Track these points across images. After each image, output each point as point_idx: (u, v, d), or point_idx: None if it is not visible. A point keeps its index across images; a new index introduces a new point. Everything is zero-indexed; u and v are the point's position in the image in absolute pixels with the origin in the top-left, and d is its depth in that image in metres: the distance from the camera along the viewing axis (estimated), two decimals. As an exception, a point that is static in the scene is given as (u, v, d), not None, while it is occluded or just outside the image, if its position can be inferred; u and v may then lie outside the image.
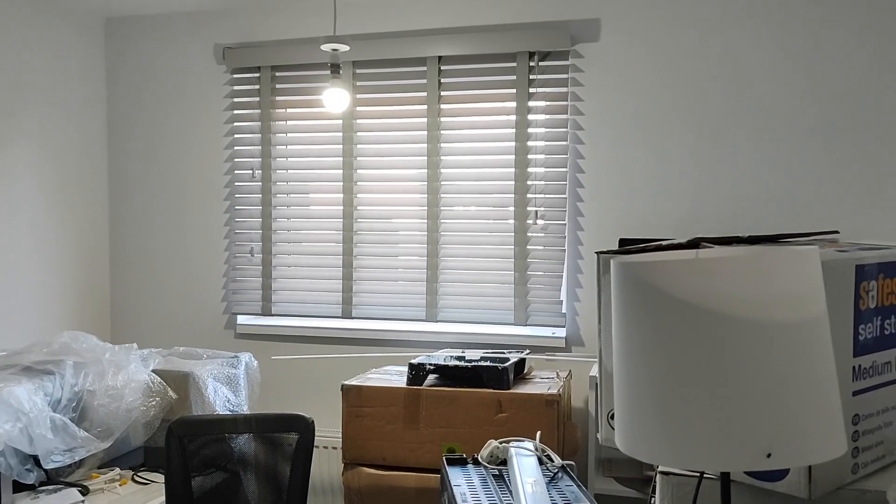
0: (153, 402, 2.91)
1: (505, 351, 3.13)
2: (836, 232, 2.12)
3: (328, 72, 3.66)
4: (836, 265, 1.49)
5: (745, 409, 1.09)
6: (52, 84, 3.68)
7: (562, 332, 3.45)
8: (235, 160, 3.85)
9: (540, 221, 3.46)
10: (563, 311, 3.45)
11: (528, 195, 3.47)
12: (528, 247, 3.48)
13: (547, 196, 3.46)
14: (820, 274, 1.23)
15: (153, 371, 2.99)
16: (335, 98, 2.94)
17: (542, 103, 3.45)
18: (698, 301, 1.19)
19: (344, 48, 2.85)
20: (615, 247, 3.37)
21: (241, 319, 3.87)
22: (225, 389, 3.14)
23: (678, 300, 1.20)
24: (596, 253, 1.98)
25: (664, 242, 1.72)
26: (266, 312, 3.81)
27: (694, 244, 1.71)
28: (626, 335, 1.25)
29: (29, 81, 3.55)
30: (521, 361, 3.04)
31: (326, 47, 2.85)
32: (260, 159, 3.80)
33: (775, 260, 1.16)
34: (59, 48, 3.73)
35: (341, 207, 3.70)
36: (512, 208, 3.49)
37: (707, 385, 1.14)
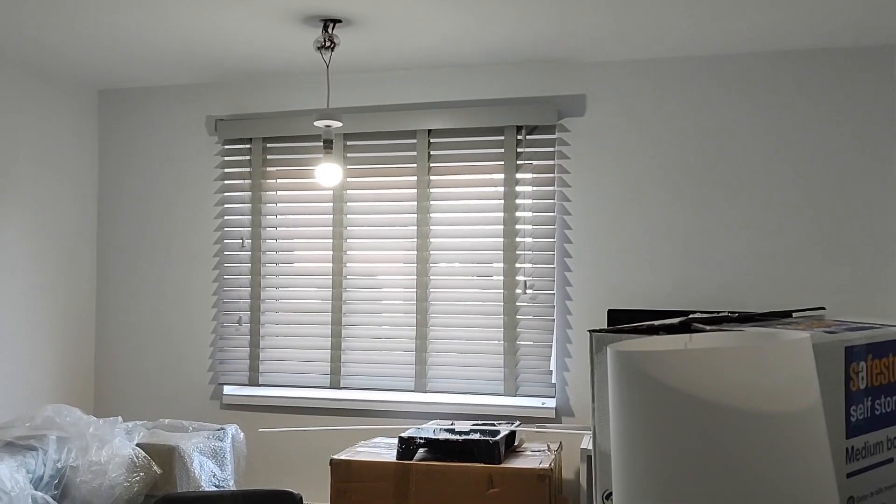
0: (137, 478, 2.86)
1: (495, 422, 3.11)
2: (823, 308, 2.16)
3: (319, 143, 3.72)
4: (825, 348, 1.51)
5: (739, 498, 1.10)
6: (44, 153, 3.71)
7: (552, 403, 3.44)
8: (225, 229, 3.87)
9: (529, 291, 3.49)
10: (553, 381, 3.44)
11: (517, 265, 3.50)
12: (518, 316, 3.49)
13: (535, 266, 3.49)
14: (813, 362, 1.24)
15: (138, 445, 2.94)
16: (328, 173, 2.98)
17: (529, 175, 3.52)
18: (693, 391, 1.21)
19: (337, 124, 2.90)
20: (604, 317, 3.40)
21: (227, 390, 3.83)
22: (211, 463, 3.09)
23: (673, 390, 1.21)
24: (588, 331, 2.00)
25: (656, 323, 1.75)
26: (253, 382, 3.77)
27: (686, 325, 1.73)
28: (623, 421, 1.26)
29: (22, 150, 3.58)
30: (512, 434, 3.01)
31: (320, 123, 2.91)
32: (250, 228, 3.82)
33: (769, 351, 1.18)
34: (53, 118, 3.77)
35: (330, 277, 3.71)
36: (501, 278, 3.52)
37: (701, 474, 1.14)
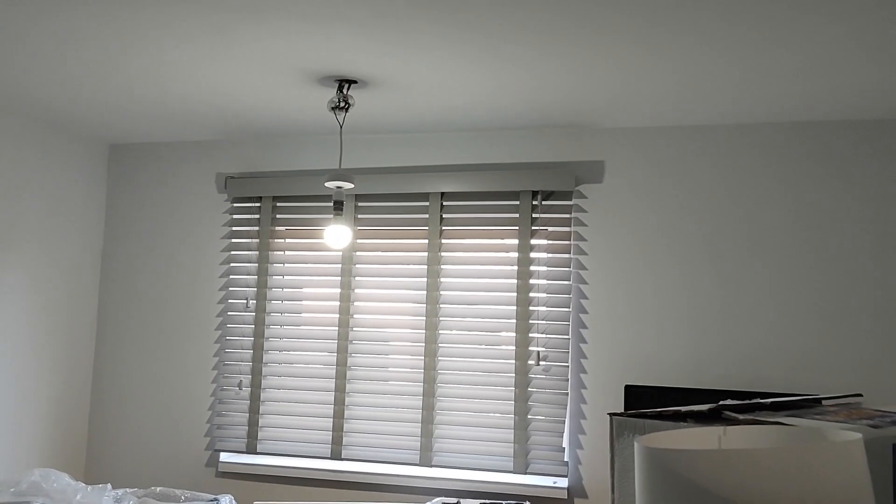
0: (122, 553, 2.69)
1: (503, 501, 2.93)
2: (860, 395, 2.01)
3: (329, 204, 3.64)
4: (871, 445, 1.37)
5: None
6: (53, 206, 3.65)
7: (564, 483, 3.26)
8: (230, 289, 3.76)
9: (542, 363, 3.34)
10: (566, 458, 3.27)
11: (530, 334, 3.36)
12: (530, 389, 3.34)
13: (549, 336, 3.36)
14: (866, 466, 1.11)
15: (125, 517, 2.78)
16: (337, 235, 2.89)
17: (544, 241, 3.41)
18: (733, 495, 1.07)
19: (349, 186, 2.82)
20: (621, 393, 3.24)
21: (223, 457, 3.66)
22: (201, 538, 2.91)
23: (711, 494, 1.08)
24: (609, 415, 1.86)
25: (683, 409, 1.61)
26: (251, 450, 3.61)
27: (716, 413, 1.60)
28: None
29: (31, 201, 3.52)
30: (522, 516, 2.83)
31: (331, 184, 2.82)
32: (255, 289, 3.72)
33: (818, 453, 1.04)
34: (64, 170, 3.72)
35: (336, 341, 3.58)
36: (513, 348, 3.38)
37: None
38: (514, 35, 2.37)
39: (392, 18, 2.26)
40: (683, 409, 1.68)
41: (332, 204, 3.64)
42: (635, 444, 1.18)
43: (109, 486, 3.00)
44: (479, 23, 2.28)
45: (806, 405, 1.83)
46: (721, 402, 1.69)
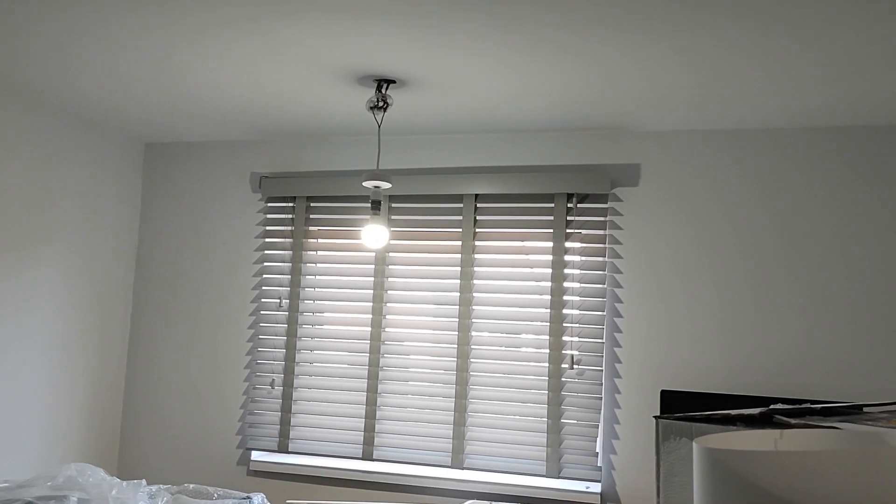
0: (157, 547, 2.70)
1: (537, 507, 2.91)
2: (910, 402, 1.97)
3: (363, 204, 3.64)
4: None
5: None
6: (88, 203, 3.69)
7: (597, 488, 3.23)
8: (263, 288, 3.78)
9: (576, 367, 3.32)
10: (599, 463, 3.24)
11: (564, 338, 3.34)
12: (563, 393, 3.31)
13: (583, 340, 3.33)
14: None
15: (160, 512, 2.79)
16: (374, 235, 2.89)
17: (579, 245, 3.39)
18: (794, 497, 1.05)
19: (386, 185, 2.82)
20: (656, 398, 3.21)
21: (255, 455, 3.67)
22: (234, 535, 2.92)
23: (772, 495, 1.06)
24: (654, 417, 1.84)
25: (733, 413, 1.59)
26: (283, 449, 3.62)
27: (766, 417, 1.57)
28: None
29: (66, 198, 3.56)
30: (555, 520, 2.81)
31: (369, 184, 2.82)
32: (289, 288, 3.73)
33: (880, 458, 1.02)
34: (99, 168, 3.76)
35: (368, 342, 3.58)
36: (546, 351, 3.36)
37: None
38: (550, 35, 2.36)
39: (432, 13, 2.25)
40: (733, 412, 1.66)
41: (365, 204, 3.65)
42: (695, 446, 1.16)
43: (144, 481, 3.02)
44: (517, 22, 2.27)
45: (850, 411, 1.79)
46: (771, 407, 1.66)
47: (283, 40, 2.51)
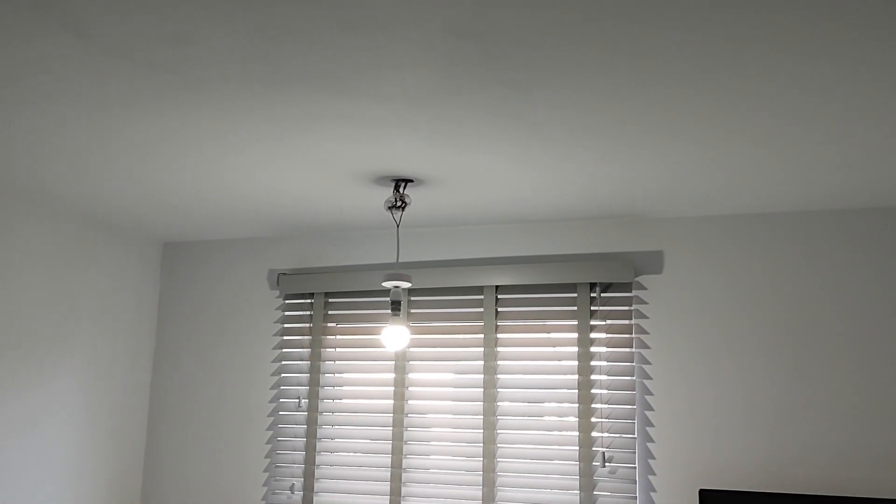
0: None
1: None
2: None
3: (382, 298, 3.58)
4: None
5: None
6: (105, 303, 3.64)
7: None
8: (282, 388, 3.69)
9: (608, 465, 3.18)
10: (637, 568, 3.06)
11: (594, 433, 3.21)
12: (595, 492, 3.16)
13: (613, 436, 3.20)
14: None
15: None
16: (395, 336, 2.81)
17: (604, 335, 3.29)
18: None
19: (406, 285, 2.76)
20: (695, 497, 3.06)
21: (275, 565, 3.51)
22: None
23: None
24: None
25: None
26: (304, 558, 3.46)
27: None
28: None
29: (83, 299, 3.51)
30: None
31: (388, 284, 2.77)
32: (307, 387, 3.64)
33: None
34: (117, 269, 3.73)
35: (390, 442, 3.46)
36: (576, 448, 3.22)
37: None
38: (568, 136, 2.33)
39: (450, 119, 2.23)
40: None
41: (384, 298, 3.58)
42: None
43: None
44: (535, 126, 2.25)
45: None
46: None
47: (301, 148, 2.49)
